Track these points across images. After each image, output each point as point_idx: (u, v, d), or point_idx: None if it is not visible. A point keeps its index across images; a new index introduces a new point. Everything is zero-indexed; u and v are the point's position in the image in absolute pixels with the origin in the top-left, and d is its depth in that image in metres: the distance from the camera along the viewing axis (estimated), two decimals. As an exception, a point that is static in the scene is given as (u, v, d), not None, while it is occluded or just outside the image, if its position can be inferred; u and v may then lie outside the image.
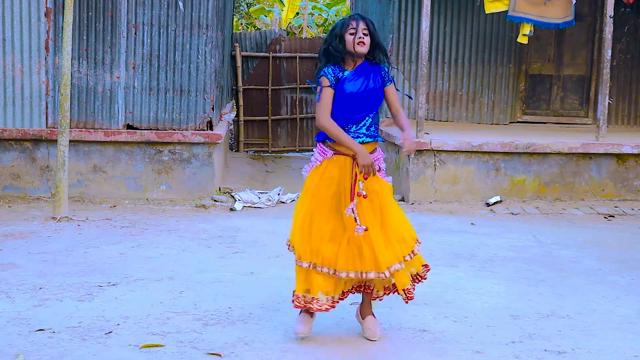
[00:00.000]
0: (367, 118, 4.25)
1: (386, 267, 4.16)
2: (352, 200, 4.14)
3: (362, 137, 4.23)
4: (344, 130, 4.18)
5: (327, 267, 4.18)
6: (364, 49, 4.18)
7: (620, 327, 4.71)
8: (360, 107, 4.22)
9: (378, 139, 4.31)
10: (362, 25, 4.17)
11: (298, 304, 4.28)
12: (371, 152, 4.22)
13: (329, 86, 4.18)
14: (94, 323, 4.53)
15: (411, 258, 4.28)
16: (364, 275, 4.19)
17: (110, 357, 4.02)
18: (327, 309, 4.26)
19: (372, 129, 4.27)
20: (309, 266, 4.22)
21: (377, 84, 4.25)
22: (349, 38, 4.19)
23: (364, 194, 4.13)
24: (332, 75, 4.20)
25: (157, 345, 4.18)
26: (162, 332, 4.41)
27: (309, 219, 4.22)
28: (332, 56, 4.23)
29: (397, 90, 4.44)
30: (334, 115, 4.20)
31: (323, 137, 4.27)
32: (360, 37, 4.16)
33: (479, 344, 4.36)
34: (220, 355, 4.07)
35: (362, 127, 4.24)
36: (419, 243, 4.36)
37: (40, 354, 4.02)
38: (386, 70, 4.32)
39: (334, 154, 4.21)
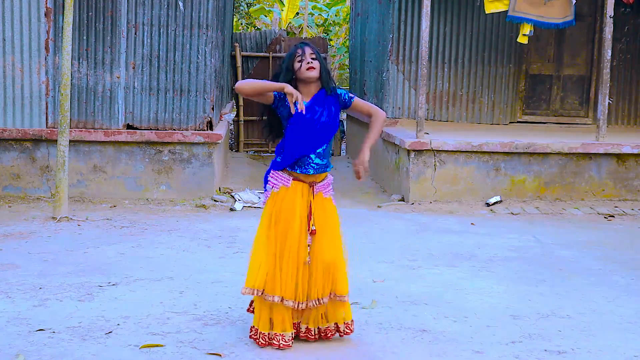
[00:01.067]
0: (319, 149, 4.23)
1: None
2: (308, 229, 4.16)
3: (316, 166, 4.22)
4: (300, 160, 4.18)
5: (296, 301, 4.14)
6: (314, 73, 4.17)
7: (620, 327, 4.71)
8: (314, 138, 4.20)
9: (329, 169, 4.31)
10: (308, 51, 4.18)
11: (263, 342, 4.19)
12: (321, 180, 4.26)
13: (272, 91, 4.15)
14: (94, 323, 4.53)
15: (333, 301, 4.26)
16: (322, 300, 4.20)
17: (110, 357, 4.02)
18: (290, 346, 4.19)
19: (325, 161, 4.26)
20: (279, 300, 4.14)
21: (331, 117, 4.24)
22: (297, 66, 4.17)
23: (314, 228, 4.17)
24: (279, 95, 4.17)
25: (157, 345, 4.18)
26: (162, 332, 4.41)
27: (279, 248, 4.16)
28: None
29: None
30: (290, 146, 4.18)
31: (282, 166, 4.22)
32: (309, 62, 4.16)
33: (479, 344, 4.36)
34: (220, 355, 4.07)
35: (316, 157, 4.22)
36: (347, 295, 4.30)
37: (40, 354, 4.02)
38: (343, 94, 4.31)
39: (293, 180, 4.21)
